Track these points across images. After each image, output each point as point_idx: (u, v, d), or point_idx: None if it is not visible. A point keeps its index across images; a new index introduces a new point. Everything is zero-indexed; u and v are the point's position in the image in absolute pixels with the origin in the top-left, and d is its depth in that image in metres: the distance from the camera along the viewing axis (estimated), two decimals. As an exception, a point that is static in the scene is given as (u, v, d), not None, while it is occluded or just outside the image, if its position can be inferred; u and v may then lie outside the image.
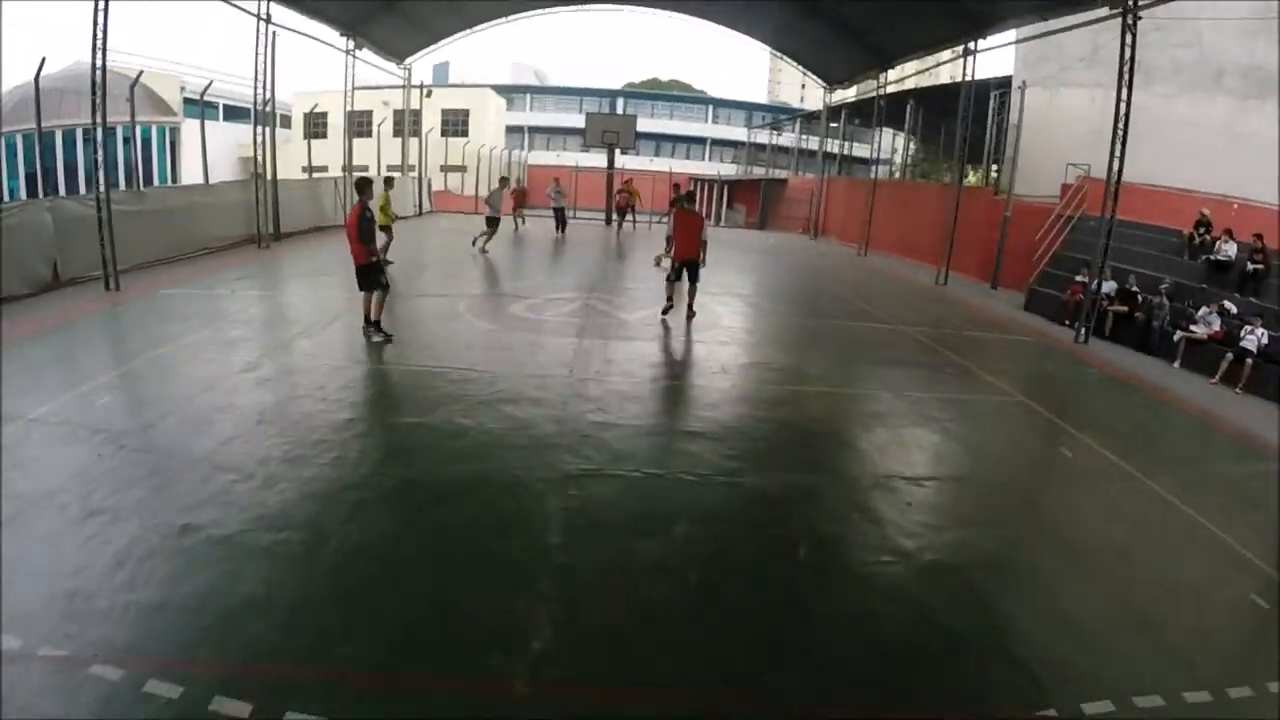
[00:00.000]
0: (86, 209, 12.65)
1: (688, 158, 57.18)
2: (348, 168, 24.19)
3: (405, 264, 9.95)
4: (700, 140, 60.64)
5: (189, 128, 36.91)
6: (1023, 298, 17.70)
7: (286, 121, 37.55)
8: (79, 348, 9.66)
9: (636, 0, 26.97)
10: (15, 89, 33.19)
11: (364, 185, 10.38)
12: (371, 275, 10.17)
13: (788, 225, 35.79)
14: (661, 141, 57.73)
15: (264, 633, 4.16)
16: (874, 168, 30.64)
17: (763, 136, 49.07)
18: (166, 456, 6.33)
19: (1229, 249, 15.48)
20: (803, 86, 38.51)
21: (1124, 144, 13.44)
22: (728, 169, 52.74)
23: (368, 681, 3.91)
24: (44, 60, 13.10)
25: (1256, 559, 5.93)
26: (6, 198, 24.06)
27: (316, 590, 4.68)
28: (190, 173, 35.19)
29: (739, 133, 56.32)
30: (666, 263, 13.18)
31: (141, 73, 17.50)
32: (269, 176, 18.75)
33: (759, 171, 46.37)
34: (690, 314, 12.59)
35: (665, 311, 12.80)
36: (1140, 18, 13.31)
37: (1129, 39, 13.29)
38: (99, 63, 12.02)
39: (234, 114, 37.47)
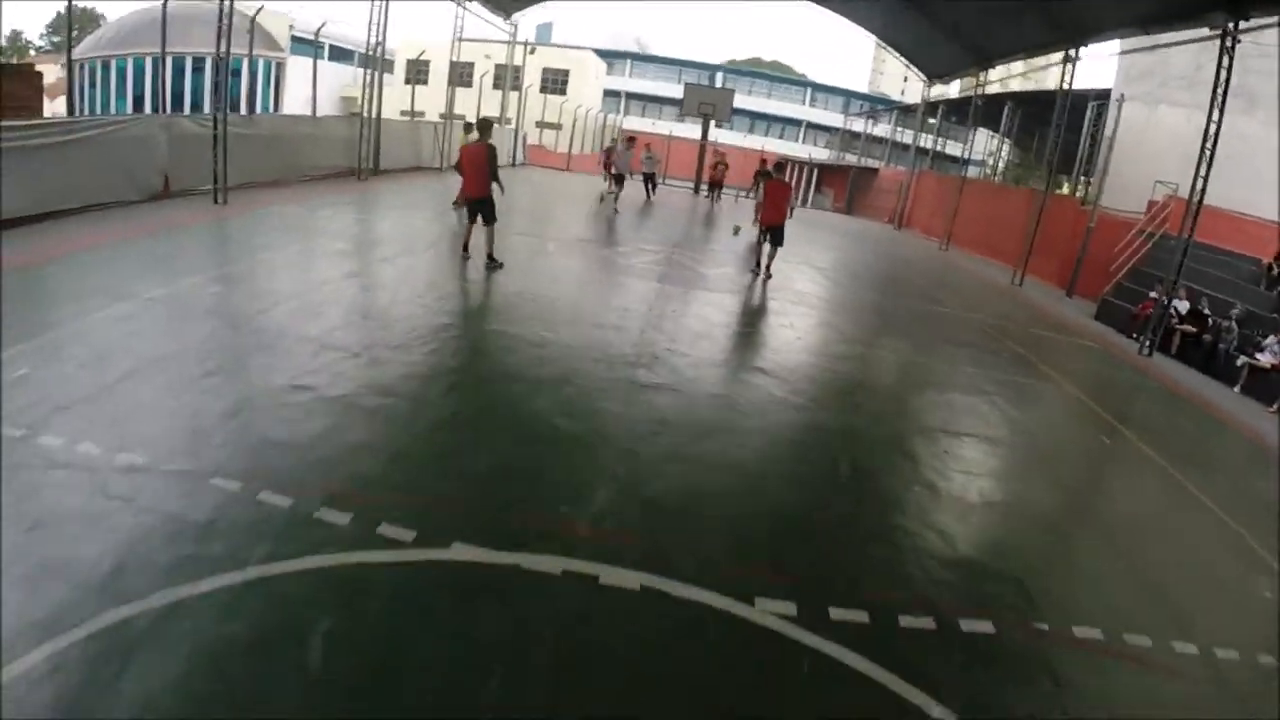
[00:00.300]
0: (200, 128, 13.74)
1: (781, 137, 57.24)
2: (447, 114, 25.23)
3: (502, 209, 10.83)
4: (796, 122, 60.63)
5: (294, 64, 38.52)
6: (1095, 307, 17.99)
7: (390, 66, 38.88)
8: (190, 247, 10.72)
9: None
10: (124, 17, 35.07)
11: (486, 126, 11.44)
12: (487, 208, 11.15)
13: (874, 214, 36.06)
14: (757, 119, 57.91)
15: (366, 469, 4.99)
16: (964, 166, 30.71)
17: (858, 125, 49.01)
18: (277, 336, 7.24)
19: (1307, 281, 15.60)
20: (904, 80, 38.36)
21: (1209, 166, 13.64)
22: (820, 153, 52.74)
23: (449, 508, 4.71)
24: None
25: (1260, 548, 6.36)
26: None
27: (414, 444, 5.54)
28: (292, 107, 36.80)
29: (835, 119, 56.17)
30: (744, 229, 14.80)
31: (261, 8, 18.66)
32: (373, 115, 19.81)
33: (851, 159, 46.45)
34: (768, 275, 13.45)
35: (754, 271, 13.87)
36: (1239, 40, 13.47)
37: (1225, 61, 13.48)
38: None
39: (339, 55, 38.98)
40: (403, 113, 25.93)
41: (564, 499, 5.04)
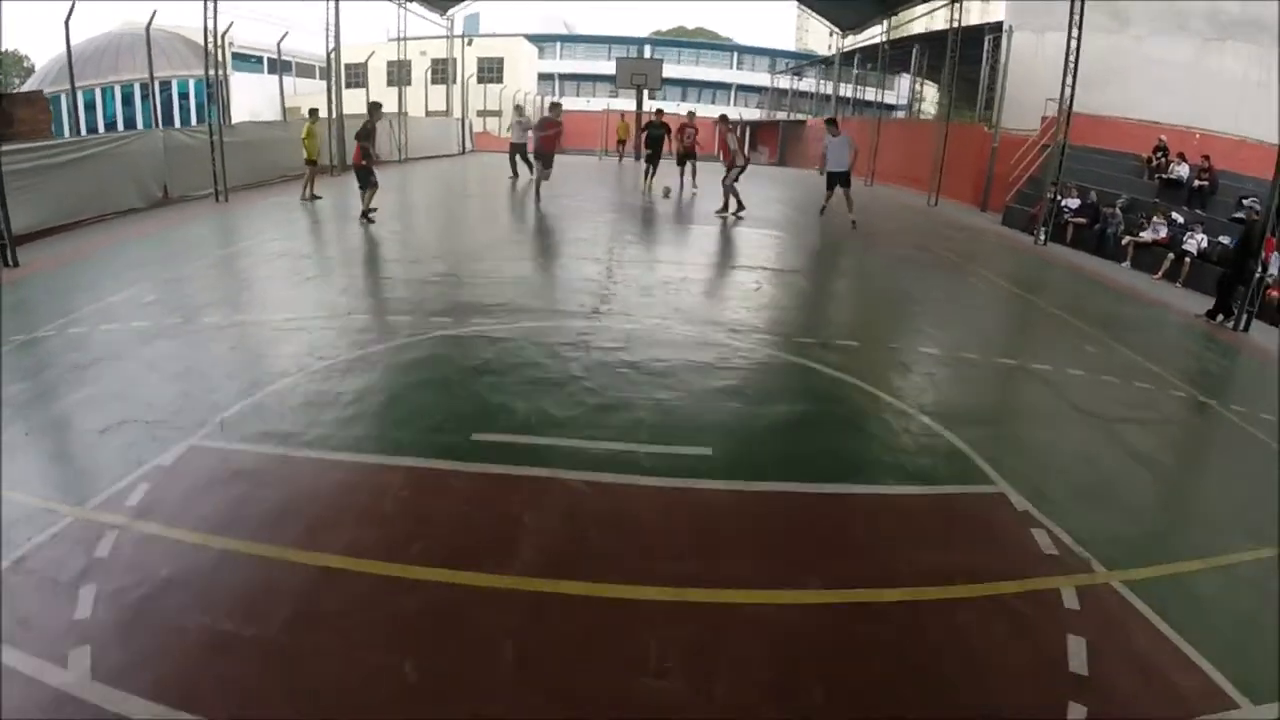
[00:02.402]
0: (190, 139, 15.44)
1: (713, 102, 58.91)
2: (402, 112, 26.81)
3: (460, 186, 13.01)
4: (725, 86, 62.43)
5: (236, 80, 39.61)
6: (1001, 216, 20.22)
7: (318, 72, 40.10)
8: (232, 224, 13.10)
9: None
10: (55, 57, 35.96)
11: (373, 108, 14.07)
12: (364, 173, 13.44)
13: (805, 163, 38.02)
14: (688, 86, 59.62)
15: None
16: (881, 110, 32.66)
17: (784, 82, 50.92)
18: (341, 264, 10.00)
19: (1181, 169, 17.84)
20: (830, 34, 39.94)
21: (1075, 78, 15.85)
22: (751, 113, 54.59)
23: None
24: (154, 14, 15.92)
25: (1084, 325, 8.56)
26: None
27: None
28: (237, 118, 37.97)
29: (763, 79, 58.04)
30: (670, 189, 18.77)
31: (231, 23, 20.08)
32: (335, 116, 21.32)
33: (781, 115, 48.38)
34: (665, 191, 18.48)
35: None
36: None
37: (1081, -14, 15.62)
38: (210, 25, 15.01)
39: (276, 67, 40.08)
40: (350, 115, 27.34)
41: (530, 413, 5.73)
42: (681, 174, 20.44)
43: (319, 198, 15.57)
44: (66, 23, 13.51)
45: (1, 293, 8.03)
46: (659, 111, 21.88)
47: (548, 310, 8.31)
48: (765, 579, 3.77)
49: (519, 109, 23.44)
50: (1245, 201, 14.66)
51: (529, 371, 6.30)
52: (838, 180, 15.88)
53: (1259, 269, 11.09)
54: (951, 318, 9.60)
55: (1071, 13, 15.70)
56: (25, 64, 48.47)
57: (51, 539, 3.73)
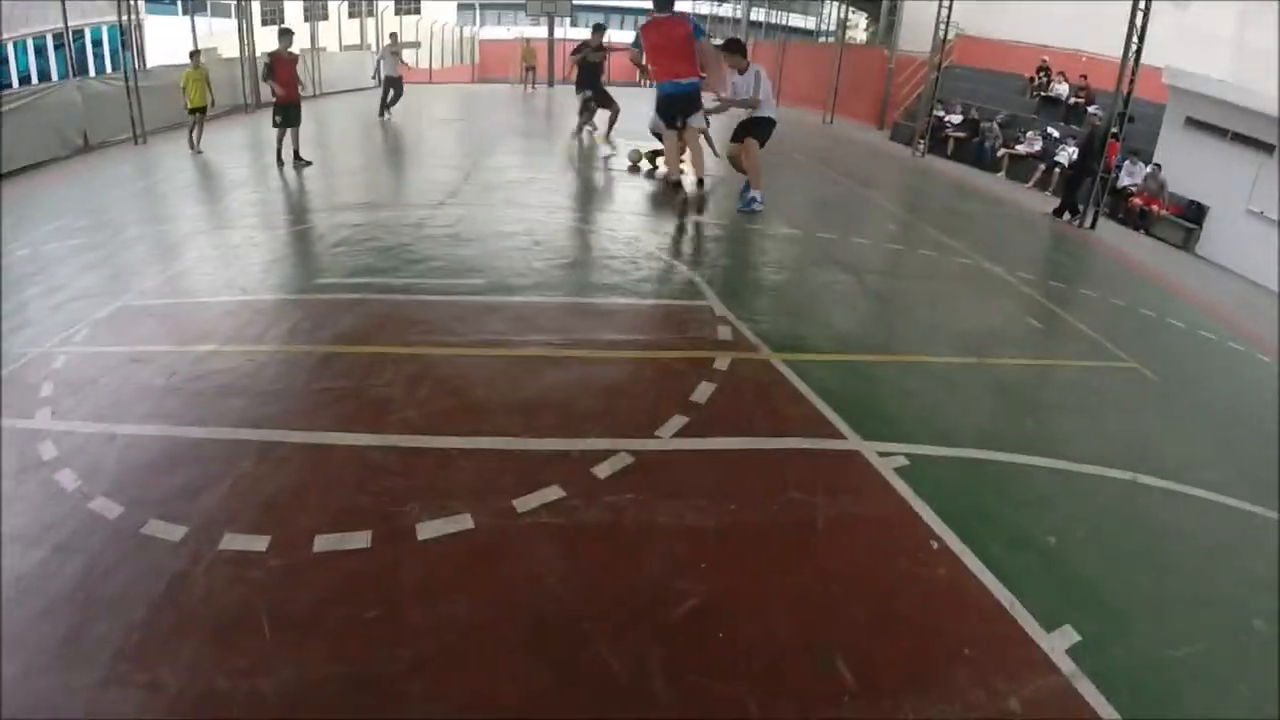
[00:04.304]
0: (107, 86, 15.82)
1: (635, 29, 59.00)
2: (315, 48, 26.95)
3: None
4: (644, 11, 62.27)
5: (151, 23, 38.80)
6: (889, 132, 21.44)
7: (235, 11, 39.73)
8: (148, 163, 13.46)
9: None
10: None
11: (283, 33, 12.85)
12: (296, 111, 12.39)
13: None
14: (609, 13, 59.49)
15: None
16: (786, 34, 33.29)
17: (705, 8, 51.16)
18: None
19: (1061, 88, 19.13)
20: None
21: (950, 4, 16.97)
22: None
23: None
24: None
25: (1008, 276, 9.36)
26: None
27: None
28: (155, 62, 37.32)
29: (684, 5, 58.12)
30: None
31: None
32: (249, 55, 21.62)
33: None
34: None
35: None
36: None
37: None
38: None
39: (190, 9, 39.36)
40: (265, 52, 27.28)
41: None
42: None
43: (200, 152, 14.14)
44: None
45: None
46: (598, 28, 15.07)
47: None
48: (510, 343, 5.27)
49: (394, 37, 22.15)
50: (1090, 109, 15.95)
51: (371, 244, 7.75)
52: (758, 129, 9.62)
53: (1099, 169, 12.34)
54: (779, 204, 10.06)
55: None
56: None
57: (24, 364, 5.01)
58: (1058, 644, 2.87)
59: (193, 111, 14.47)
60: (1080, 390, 5.62)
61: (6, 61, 16.46)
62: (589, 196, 10.54)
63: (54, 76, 26.58)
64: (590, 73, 14.16)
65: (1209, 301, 9.62)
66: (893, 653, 2.84)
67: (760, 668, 2.70)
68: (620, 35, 31.70)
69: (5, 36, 16.72)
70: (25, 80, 16.74)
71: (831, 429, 4.27)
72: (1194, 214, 13.77)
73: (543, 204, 9.55)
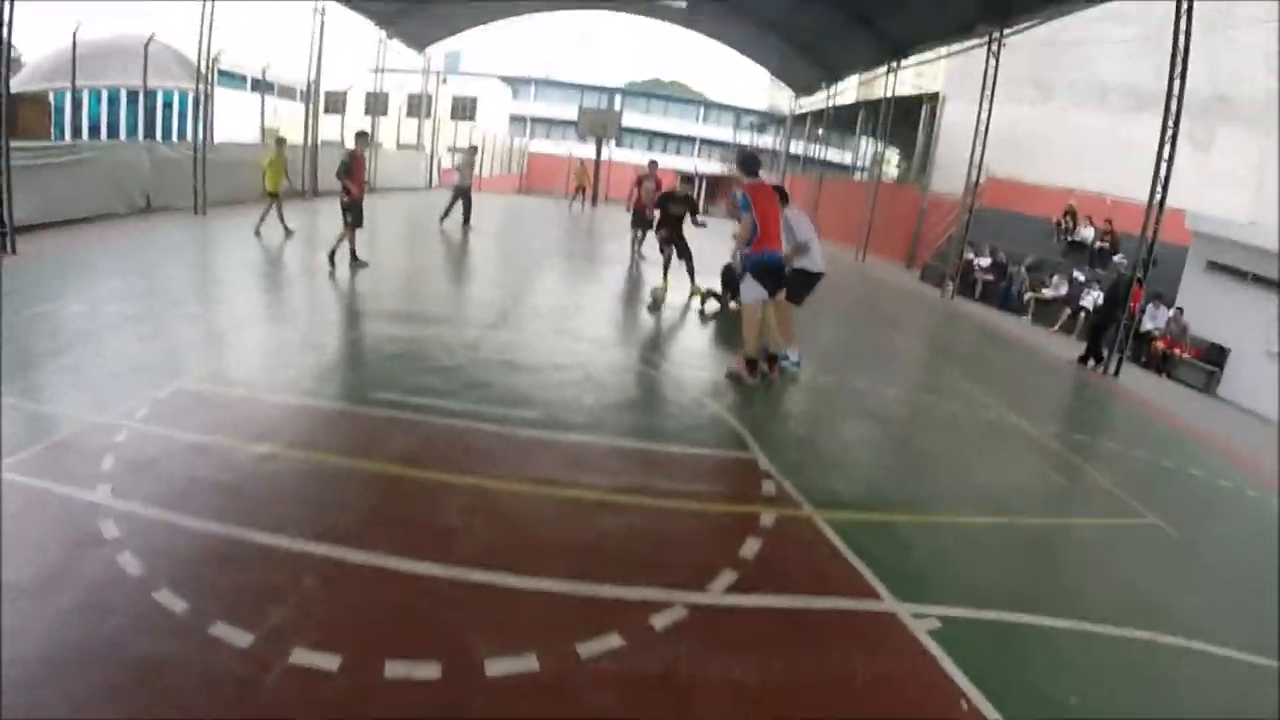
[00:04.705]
0: (174, 153, 16.67)
1: (678, 154, 60.93)
2: (374, 144, 28.01)
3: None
4: (690, 139, 64.54)
5: (221, 96, 40.62)
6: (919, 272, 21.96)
7: (299, 95, 41.52)
8: (212, 235, 14.07)
9: (629, 8, 30.93)
10: (45, 56, 36.65)
11: (360, 135, 13.01)
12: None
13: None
14: (654, 138, 61.65)
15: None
16: (821, 169, 34.36)
17: (745, 138, 52.99)
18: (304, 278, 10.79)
19: (1086, 232, 19.69)
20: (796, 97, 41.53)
21: (984, 148, 17.64)
22: (711, 166, 56.61)
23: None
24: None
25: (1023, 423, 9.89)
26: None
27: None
28: (223, 137, 38.81)
29: (728, 133, 60.20)
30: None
31: (221, 50, 21.38)
32: (312, 143, 22.63)
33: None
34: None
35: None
36: (1004, 45, 17.41)
37: (992, 62, 17.38)
38: (206, 49, 16.31)
39: (259, 86, 41.21)
40: (324, 141, 28.45)
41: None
42: (638, 242, 16.68)
43: (291, 232, 14.95)
44: (74, 36, 14.68)
45: (2, 274, 9.20)
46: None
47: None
48: (564, 483, 5.35)
49: (474, 150, 22.09)
50: (1115, 258, 16.39)
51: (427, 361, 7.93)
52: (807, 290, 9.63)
53: (1123, 316, 12.63)
54: (816, 350, 10.23)
55: (983, 85, 17.43)
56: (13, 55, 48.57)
57: (83, 431, 5.21)
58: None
59: (270, 195, 14.94)
60: (1103, 548, 5.77)
61: (81, 107, 17.17)
62: (637, 333, 10.76)
63: (122, 129, 27.98)
64: (673, 226, 12.83)
65: (1228, 448, 9.72)
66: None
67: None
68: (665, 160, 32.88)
69: (82, 84, 17.51)
70: (95, 129, 17.46)
71: (869, 589, 4.47)
72: (1215, 357, 14.03)
73: (593, 337, 9.82)
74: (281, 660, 3.25)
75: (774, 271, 8.33)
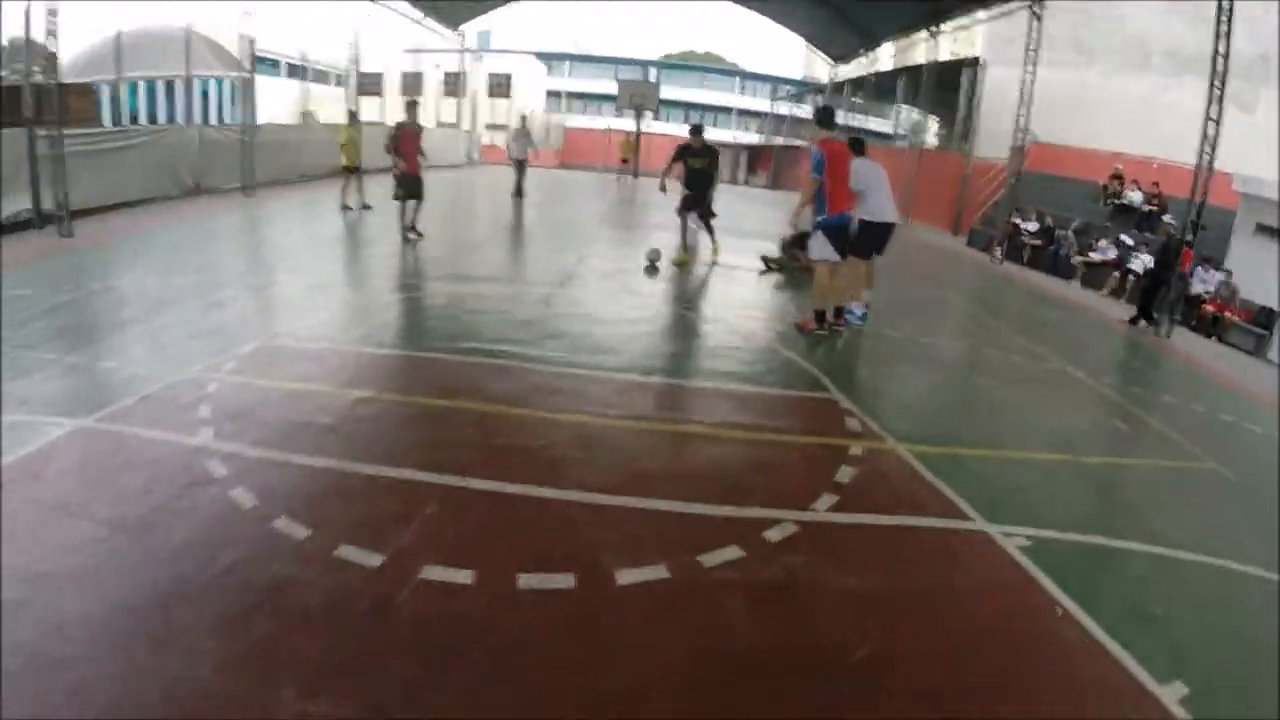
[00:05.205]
0: (221, 136, 17.01)
1: (715, 125, 60.49)
2: (411, 121, 28.24)
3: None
4: (727, 110, 64.13)
5: (258, 82, 41.00)
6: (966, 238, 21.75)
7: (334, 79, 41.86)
8: (258, 215, 14.34)
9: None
10: (81, 51, 37.05)
11: (410, 105, 13.42)
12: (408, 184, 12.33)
13: (798, 187, 39.60)
14: (691, 110, 61.19)
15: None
16: (862, 138, 33.82)
17: (784, 108, 52.50)
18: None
19: (1134, 196, 19.37)
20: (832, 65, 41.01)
21: (1029, 111, 17.39)
22: (750, 136, 56.23)
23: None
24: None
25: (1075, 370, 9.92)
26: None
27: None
28: (262, 121, 39.16)
29: (765, 104, 59.62)
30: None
31: (253, 40, 21.60)
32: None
33: (779, 140, 49.93)
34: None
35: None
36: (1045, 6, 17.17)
37: (1035, 25, 17.13)
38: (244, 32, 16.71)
39: (294, 72, 41.55)
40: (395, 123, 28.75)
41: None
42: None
43: (369, 207, 15.21)
44: (118, 37, 15.04)
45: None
46: (696, 129, 12.56)
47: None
48: (660, 418, 5.79)
49: (523, 120, 22.68)
50: (1165, 218, 16.11)
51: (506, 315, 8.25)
52: (874, 243, 9.37)
53: (1173, 278, 12.51)
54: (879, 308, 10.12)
55: (1026, 53, 17.19)
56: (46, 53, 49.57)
57: (170, 386, 5.42)
58: (1169, 695, 3.23)
59: (348, 170, 15.24)
60: (1166, 487, 5.91)
61: (118, 101, 17.53)
62: (699, 290, 10.99)
63: (160, 119, 28.49)
64: (702, 182, 12.11)
65: (1281, 407, 9.73)
66: (1035, 694, 3.26)
67: (926, 707, 3.06)
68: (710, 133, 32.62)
69: (123, 76, 17.82)
70: (135, 118, 17.81)
71: (959, 511, 4.68)
72: (1265, 320, 13.80)
73: (657, 293, 10.19)
74: (413, 577, 3.36)
75: (842, 233, 8.38)
